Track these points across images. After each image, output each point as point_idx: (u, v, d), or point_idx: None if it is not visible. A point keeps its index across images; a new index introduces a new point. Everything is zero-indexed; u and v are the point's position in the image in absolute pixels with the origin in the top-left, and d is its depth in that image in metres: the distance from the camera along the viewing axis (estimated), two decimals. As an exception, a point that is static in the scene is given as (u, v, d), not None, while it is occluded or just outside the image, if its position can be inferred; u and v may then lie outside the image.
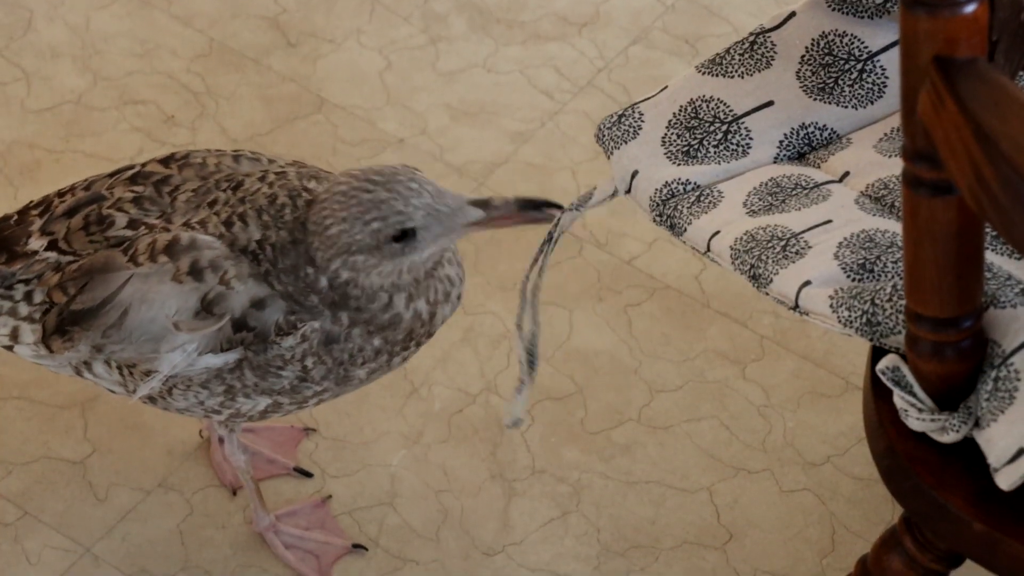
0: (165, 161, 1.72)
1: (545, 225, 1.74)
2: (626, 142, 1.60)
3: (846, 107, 1.61)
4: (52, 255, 1.69)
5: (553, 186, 2.19)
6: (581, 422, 2.02)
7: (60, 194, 1.73)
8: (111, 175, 1.72)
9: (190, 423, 1.99)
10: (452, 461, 1.99)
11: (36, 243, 1.71)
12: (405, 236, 1.59)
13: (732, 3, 2.37)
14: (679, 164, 1.59)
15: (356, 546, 1.91)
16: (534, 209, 1.60)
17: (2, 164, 2.21)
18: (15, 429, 2.00)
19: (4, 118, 2.25)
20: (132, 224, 1.68)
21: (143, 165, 1.72)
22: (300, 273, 1.63)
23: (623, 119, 1.61)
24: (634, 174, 1.59)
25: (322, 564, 1.89)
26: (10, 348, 1.73)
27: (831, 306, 1.47)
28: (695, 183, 1.59)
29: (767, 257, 1.51)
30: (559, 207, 1.58)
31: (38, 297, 1.69)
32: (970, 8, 1.22)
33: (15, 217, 1.73)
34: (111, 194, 1.70)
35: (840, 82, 1.60)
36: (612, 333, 2.08)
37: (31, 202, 1.76)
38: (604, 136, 1.61)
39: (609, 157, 1.61)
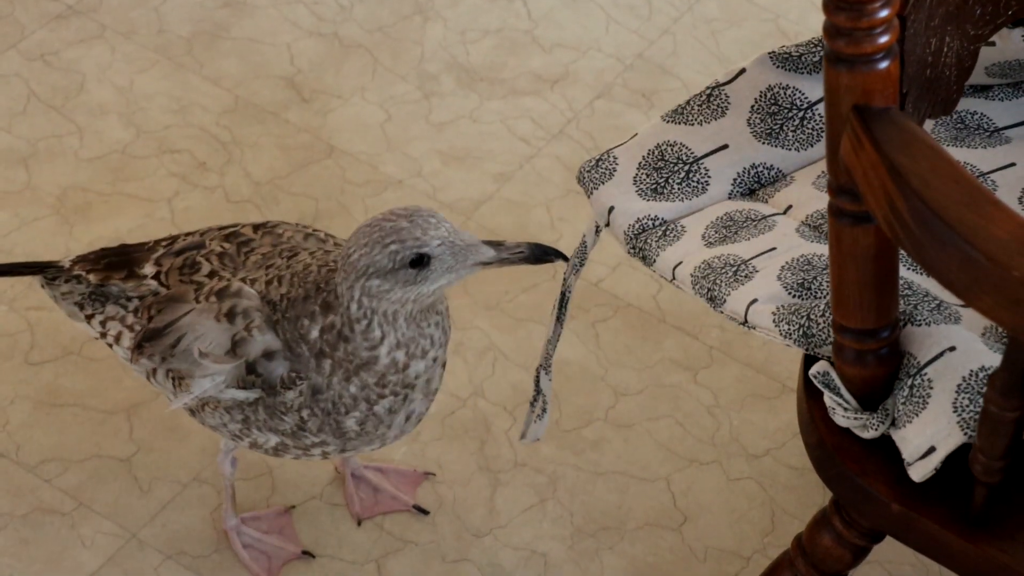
0: (257, 226, 1.73)
1: (545, 265, 1.73)
2: (603, 182, 1.60)
3: (789, 149, 1.60)
4: (154, 284, 1.72)
5: (530, 220, 2.19)
6: (556, 422, 2.01)
7: (187, 234, 1.75)
8: (221, 228, 1.75)
9: (221, 425, 1.98)
10: (445, 456, 1.98)
11: (148, 269, 1.73)
12: (420, 262, 1.53)
13: (682, 63, 2.37)
14: (648, 200, 1.58)
15: (305, 552, 1.88)
16: (543, 254, 1.55)
17: (59, 205, 2.20)
18: (71, 432, 1.99)
19: (60, 165, 2.24)
20: (211, 274, 1.69)
21: (242, 226, 1.73)
22: (298, 323, 1.61)
23: (600, 163, 1.61)
24: (611, 209, 1.58)
25: (272, 565, 1.87)
26: (111, 347, 1.76)
27: (774, 321, 1.46)
28: (662, 218, 1.58)
29: (721, 281, 1.50)
30: (565, 258, 1.55)
31: (139, 311, 1.73)
32: (884, 64, 1.22)
33: (149, 244, 1.76)
34: (209, 244, 1.72)
35: (784, 128, 1.60)
36: (582, 345, 2.08)
37: (169, 236, 1.79)
38: (584, 178, 1.60)
39: (589, 196, 1.60)
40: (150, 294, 1.72)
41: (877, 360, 1.40)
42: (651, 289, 2.12)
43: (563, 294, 1.64)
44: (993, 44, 1.61)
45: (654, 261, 1.56)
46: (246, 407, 1.66)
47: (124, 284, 1.74)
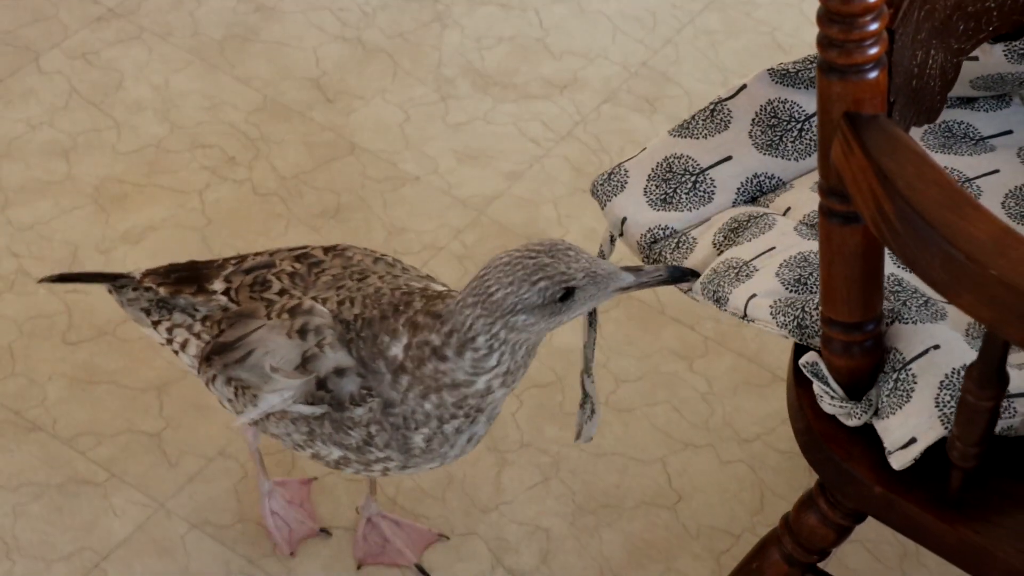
0: (327, 249, 1.69)
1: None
2: (616, 195, 1.60)
3: (789, 159, 1.61)
4: (224, 299, 1.68)
5: (539, 216, 2.20)
6: (560, 405, 2.02)
7: (256, 254, 1.72)
8: (291, 249, 1.71)
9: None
10: (456, 436, 1.99)
11: (218, 285, 1.69)
12: (565, 296, 1.47)
13: (683, 71, 2.38)
14: (658, 210, 1.59)
15: (323, 530, 1.88)
16: (681, 275, 1.50)
17: (97, 195, 2.21)
18: (105, 408, 2.00)
19: (99, 158, 2.25)
20: (281, 292, 1.65)
21: (312, 248, 1.70)
22: (377, 340, 1.55)
23: (612, 176, 1.61)
24: (623, 220, 1.59)
25: (292, 536, 1.86)
26: (176, 353, 1.73)
27: (771, 313, 1.47)
28: (673, 228, 1.59)
29: (724, 283, 1.51)
30: (698, 275, 1.52)
31: (208, 323, 1.70)
32: (873, 74, 1.22)
33: (219, 262, 1.73)
34: (280, 264, 1.68)
35: (784, 139, 1.60)
36: (586, 334, 2.08)
37: (237, 254, 1.76)
38: (598, 191, 1.61)
39: (603, 207, 1.61)
40: (219, 309, 1.68)
41: (863, 352, 1.40)
42: (651, 283, 2.13)
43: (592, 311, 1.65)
44: (976, 59, 1.62)
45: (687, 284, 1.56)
46: (312, 420, 1.62)
47: (194, 299, 1.70)
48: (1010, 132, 1.64)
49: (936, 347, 1.41)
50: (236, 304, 1.67)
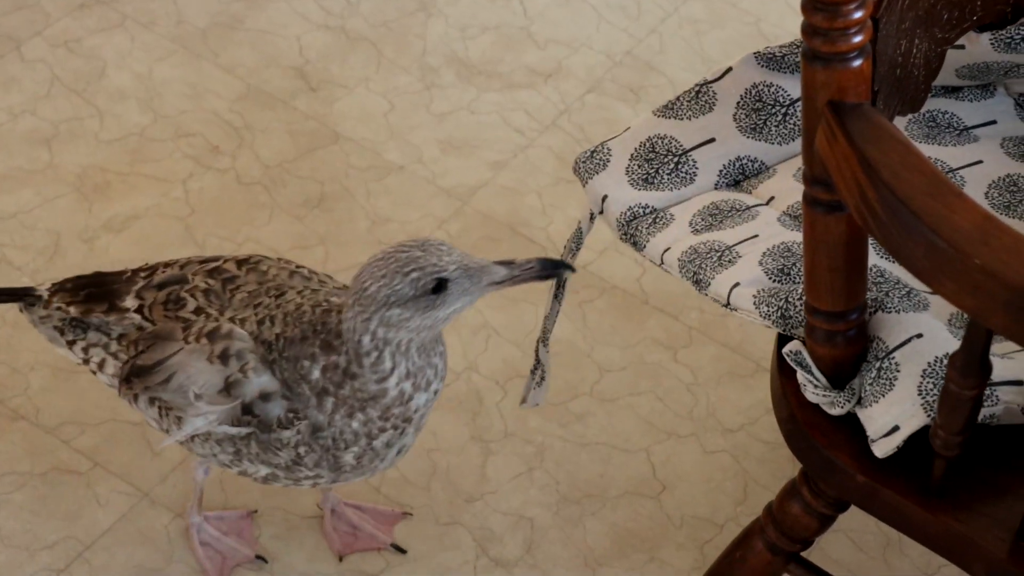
0: (240, 262, 1.67)
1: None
2: (597, 172, 1.60)
3: (772, 143, 1.61)
4: (137, 318, 1.66)
5: (523, 205, 2.20)
6: (545, 396, 2.02)
7: (165, 264, 1.70)
8: (202, 261, 1.69)
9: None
10: (440, 426, 1.99)
11: (130, 302, 1.67)
12: (438, 288, 1.49)
13: (668, 60, 2.38)
14: (639, 189, 1.59)
15: (259, 557, 1.85)
16: (553, 269, 1.52)
17: (79, 184, 2.20)
18: (89, 397, 2.00)
19: (81, 147, 2.24)
20: (197, 311, 1.63)
21: (224, 261, 1.68)
22: (298, 364, 1.56)
23: (595, 154, 1.61)
24: (604, 197, 1.59)
25: (224, 565, 1.84)
26: (95, 373, 1.72)
27: (754, 303, 1.47)
28: (652, 206, 1.59)
29: (706, 266, 1.51)
30: (573, 269, 1.53)
31: (123, 342, 1.68)
32: (857, 63, 1.23)
33: (128, 274, 1.70)
34: (192, 279, 1.66)
35: (768, 123, 1.61)
36: (570, 324, 2.09)
37: (145, 264, 1.73)
38: (580, 168, 1.61)
39: (584, 184, 1.61)
40: (134, 328, 1.67)
41: (846, 341, 1.41)
42: (635, 273, 2.13)
43: (559, 281, 1.65)
44: (962, 47, 1.62)
45: (644, 246, 1.57)
46: (238, 440, 1.62)
47: (106, 317, 1.68)
48: (994, 122, 1.65)
49: (919, 336, 1.42)
50: (151, 322, 1.66)
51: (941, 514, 1.41)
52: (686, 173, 1.60)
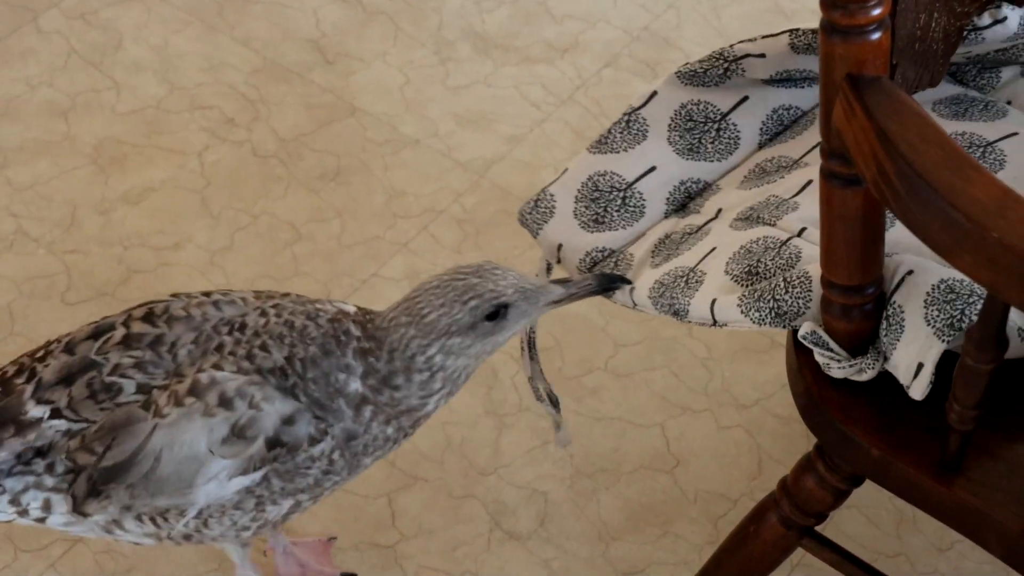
0: (148, 318, 1.50)
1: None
2: (546, 222, 1.60)
3: (712, 161, 1.61)
4: (60, 422, 1.47)
5: (539, 179, 2.20)
6: (559, 369, 2.03)
7: (35, 357, 1.50)
8: (90, 336, 1.50)
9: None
10: (455, 400, 2.00)
11: (37, 411, 1.47)
12: (497, 314, 1.46)
13: (685, 36, 2.38)
14: (592, 231, 1.59)
15: (344, 574, 1.82)
16: (610, 283, 1.50)
17: (96, 156, 2.21)
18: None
19: (98, 119, 2.25)
20: (141, 389, 1.47)
21: (126, 326, 1.50)
22: (331, 379, 1.48)
23: (539, 203, 1.60)
24: (559, 246, 1.59)
25: None
26: (43, 521, 1.50)
27: (742, 312, 1.47)
28: (609, 248, 1.59)
29: (677, 294, 1.51)
30: (629, 282, 1.51)
31: (60, 468, 1.48)
32: (876, 36, 1.23)
33: (5, 376, 1.49)
34: (107, 360, 1.48)
35: (703, 140, 1.61)
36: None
37: (5, 370, 1.50)
38: (527, 220, 1.59)
39: (535, 236, 1.59)
40: (64, 437, 1.47)
41: (862, 315, 1.41)
42: (651, 248, 2.14)
43: (529, 336, 1.65)
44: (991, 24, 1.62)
45: (613, 293, 1.56)
46: (256, 488, 1.49)
47: (21, 439, 1.47)
48: (1010, 102, 1.65)
49: (910, 272, 1.43)
50: (83, 420, 1.47)
51: (955, 488, 1.41)
52: (635, 207, 1.59)
